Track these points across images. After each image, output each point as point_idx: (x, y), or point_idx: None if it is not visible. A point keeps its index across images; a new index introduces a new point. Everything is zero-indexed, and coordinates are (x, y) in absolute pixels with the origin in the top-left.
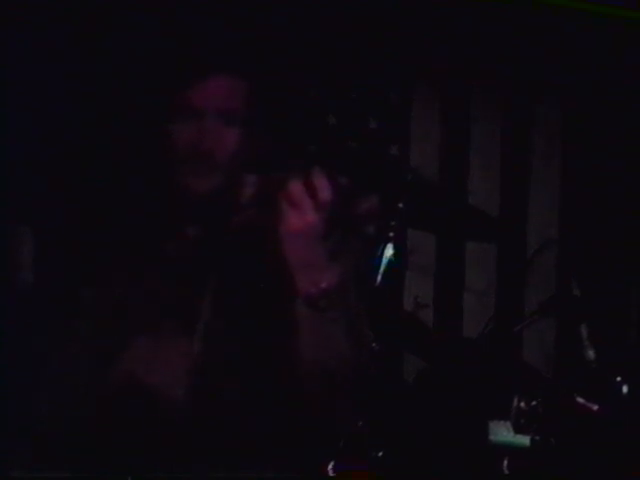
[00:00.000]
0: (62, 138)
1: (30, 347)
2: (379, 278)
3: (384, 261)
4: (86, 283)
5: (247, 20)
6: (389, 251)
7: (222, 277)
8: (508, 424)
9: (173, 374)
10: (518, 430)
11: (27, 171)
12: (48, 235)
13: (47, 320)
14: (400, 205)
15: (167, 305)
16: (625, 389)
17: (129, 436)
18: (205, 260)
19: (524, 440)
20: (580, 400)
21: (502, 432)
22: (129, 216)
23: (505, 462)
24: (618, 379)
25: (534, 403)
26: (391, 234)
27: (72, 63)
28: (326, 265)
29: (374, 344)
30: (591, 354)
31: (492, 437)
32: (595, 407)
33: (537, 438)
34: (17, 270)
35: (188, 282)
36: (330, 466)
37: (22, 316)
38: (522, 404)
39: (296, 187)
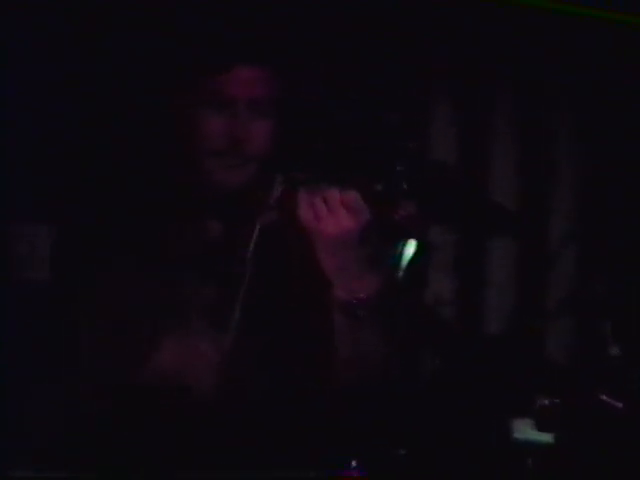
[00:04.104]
0: (75, 134)
1: (30, 346)
2: (400, 274)
3: (405, 257)
4: (105, 280)
5: (248, 18)
6: (410, 247)
7: (257, 278)
8: (531, 422)
9: (178, 375)
10: (541, 428)
11: (49, 167)
12: (74, 233)
13: (47, 319)
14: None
15: (170, 302)
16: None
17: (129, 436)
18: (240, 259)
19: (548, 438)
20: (604, 397)
21: (525, 430)
22: (150, 212)
23: (529, 460)
24: None
25: (557, 400)
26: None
27: (84, 61)
28: (365, 273)
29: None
30: (615, 350)
31: (515, 435)
32: (619, 404)
33: (560, 436)
34: (18, 269)
35: (221, 281)
36: (354, 463)
37: (22, 315)
38: (545, 401)
39: (332, 192)
